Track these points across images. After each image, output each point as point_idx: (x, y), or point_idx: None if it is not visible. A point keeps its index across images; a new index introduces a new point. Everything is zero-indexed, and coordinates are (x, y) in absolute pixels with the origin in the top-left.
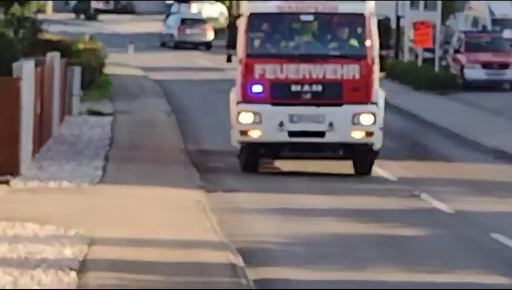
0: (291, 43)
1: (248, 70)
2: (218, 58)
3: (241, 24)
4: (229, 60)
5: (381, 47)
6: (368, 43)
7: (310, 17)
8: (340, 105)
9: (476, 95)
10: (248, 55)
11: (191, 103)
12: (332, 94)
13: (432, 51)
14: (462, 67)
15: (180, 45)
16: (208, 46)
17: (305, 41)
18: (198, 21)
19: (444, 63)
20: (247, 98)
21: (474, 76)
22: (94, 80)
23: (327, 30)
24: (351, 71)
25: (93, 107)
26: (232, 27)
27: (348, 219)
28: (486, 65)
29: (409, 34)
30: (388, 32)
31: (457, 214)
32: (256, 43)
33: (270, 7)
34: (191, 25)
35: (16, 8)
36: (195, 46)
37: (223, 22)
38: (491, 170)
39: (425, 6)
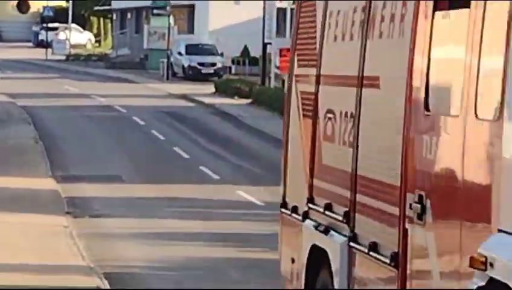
0: None
1: None
2: (84, 84)
3: None
4: None
5: None
6: None
7: None
8: None
9: None
10: None
11: (59, 129)
12: None
13: None
14: None
15: None
16: None
17: None
18: None
19: None
20: None
21: None
22: None
23: None
24: None
25: None
26: None
27: (216, 243)
28: None
29: (276, 60)
30: None
31: None
32: None
33: None
34: None
35: None
36: None
37: (91, 48)
38: None
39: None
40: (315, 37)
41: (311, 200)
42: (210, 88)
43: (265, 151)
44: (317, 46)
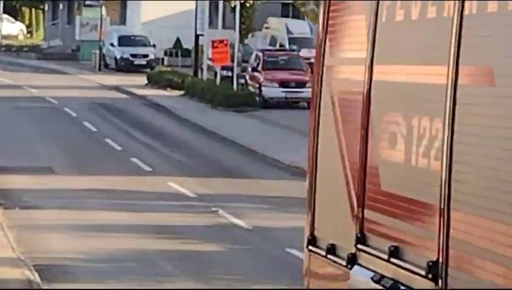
0: None
1: None
2: (16, 75)
3: None
4: None
5: None
6: None
7: None
8: None
9: (274, 113)
10: None
11: None
12: None
13: (230, 69)
14: (260, 85)
15: None
16: None
17: None
18: None
19: (242, 81)
20: None
21: (272, 94)
22: None
23: None
24: None
25: None
26: None
27: (147, 235)
28: (283, 83)
29: (208, 52)
30: None
31: (254, 230)
32: None
33: None
34: None
35: None
36: None
37: (23, 39)
38: (288, 186)
39: (224, 25)
40: (362, 13)
41: (362, 239)
42: (142, 80)
43: (197, 142)
44: (367, 27)
